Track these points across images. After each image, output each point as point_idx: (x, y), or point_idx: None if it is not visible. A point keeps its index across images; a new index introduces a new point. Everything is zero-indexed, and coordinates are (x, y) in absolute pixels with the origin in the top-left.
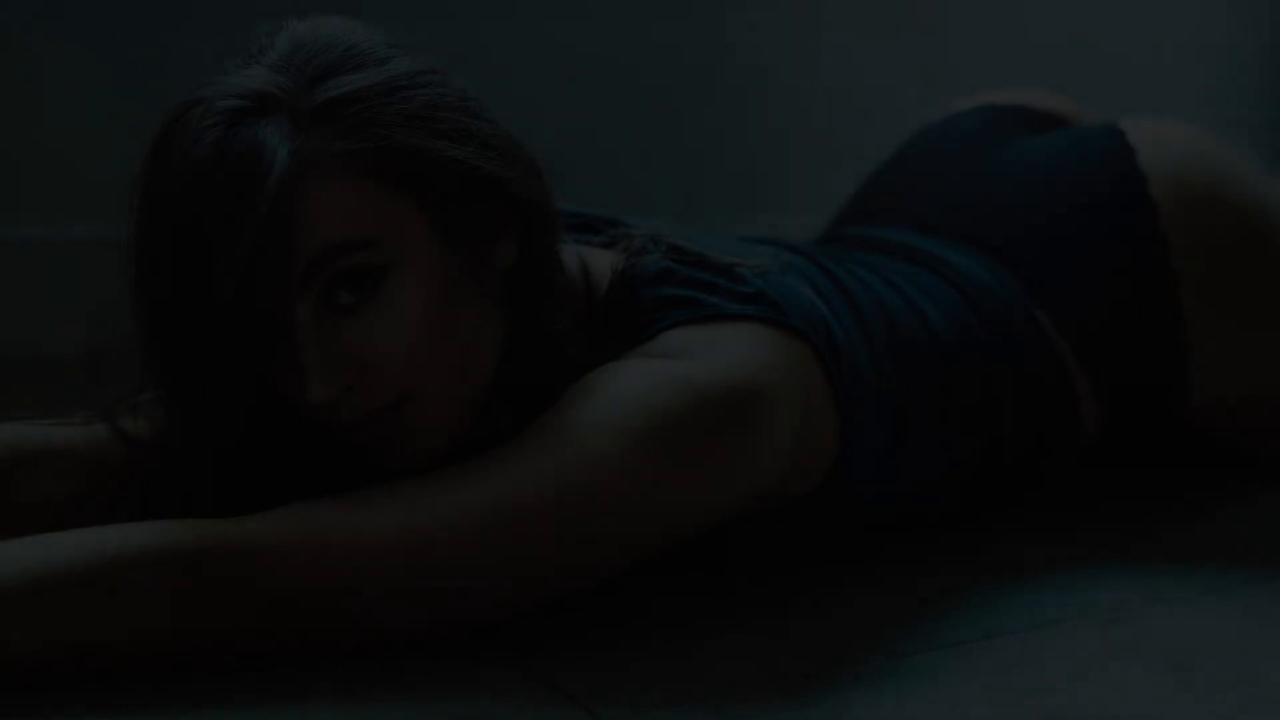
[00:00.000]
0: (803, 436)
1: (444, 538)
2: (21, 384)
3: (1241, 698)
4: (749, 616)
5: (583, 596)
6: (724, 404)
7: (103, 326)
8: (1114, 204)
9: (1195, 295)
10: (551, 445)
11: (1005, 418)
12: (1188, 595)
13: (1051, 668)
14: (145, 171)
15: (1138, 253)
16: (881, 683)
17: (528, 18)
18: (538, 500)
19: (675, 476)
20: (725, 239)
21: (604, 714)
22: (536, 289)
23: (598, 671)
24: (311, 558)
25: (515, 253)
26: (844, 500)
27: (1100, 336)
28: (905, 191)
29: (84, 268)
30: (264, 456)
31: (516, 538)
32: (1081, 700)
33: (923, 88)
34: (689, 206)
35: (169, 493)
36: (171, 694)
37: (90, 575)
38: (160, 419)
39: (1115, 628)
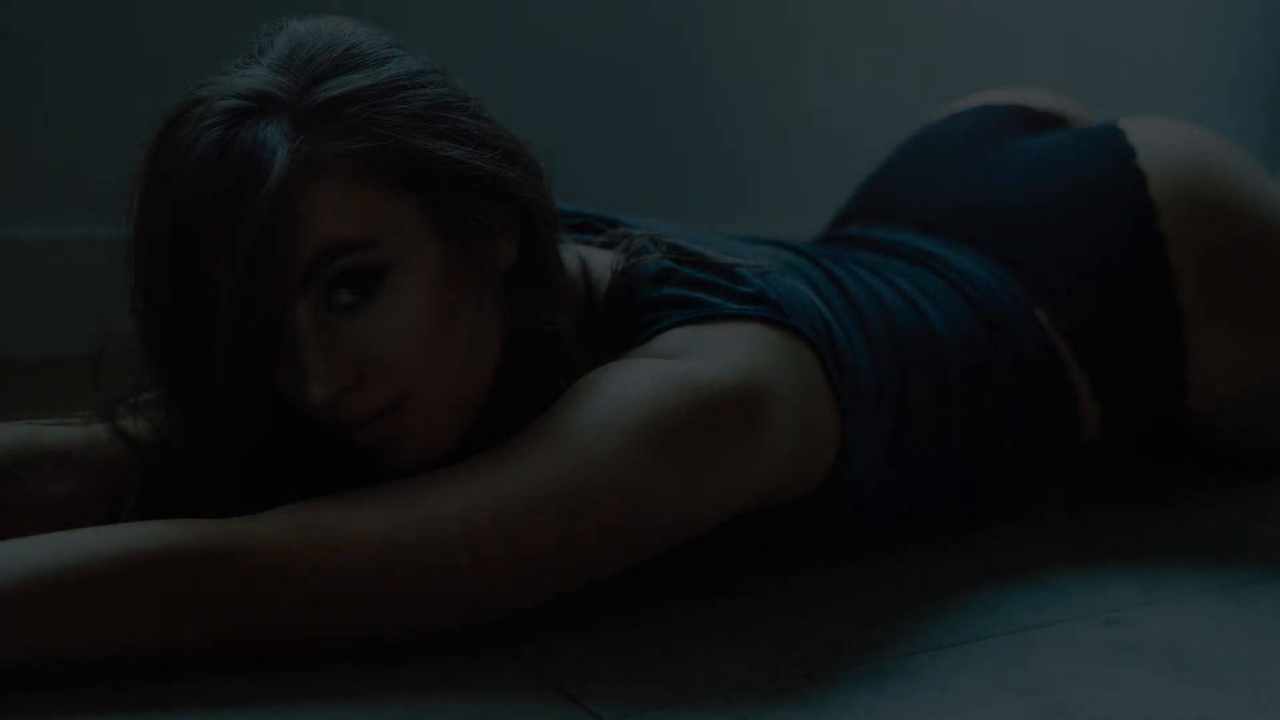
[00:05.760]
0: (803, 437)
1: (444, 538)
2: (21, 384)
3: (1242, 697)
4: (749, 616)
5: (583, 596)
6: (724, 404)
7: (103, 326)
8: (1114, 204)
9: (1195, 295)
10: (551, 445)
11: (1005, 417)
12: (1187, 594)
13: (1051, 668)
14: (145, 171)
15: (1137, 252)
16: (881, 683)
17: (528, 17)
18: (537, 500)
19: (675, 476)
20: (725, 239)
21: (604, 714)
22: (536, 289)
23: (598, 671)
24: (311, 558)
25: (515, 253)
26: (844, 500)
27: (1100, 336)
28: (905, 191)
29: (84, 268)
30: (264, 456)
31: (516, 538)
32: (1081, 700)
33: (923, 88)
34: (689, 206)
35: (169, 493)
36: (172, 694)
37: (91, 575)
38: (160, 419)
39: (1115, 628)
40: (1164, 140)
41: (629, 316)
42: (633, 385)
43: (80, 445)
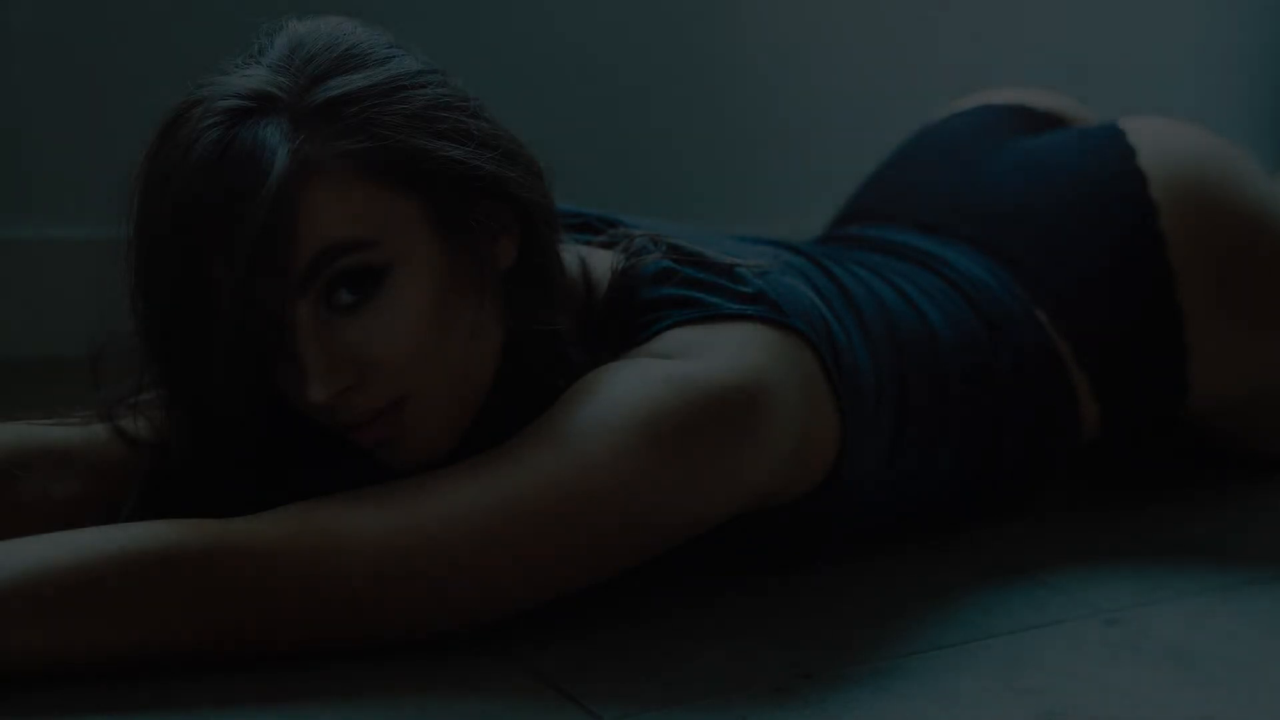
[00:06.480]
0: (802, 436)
1: (444, 538)
2: (21, 384)
3: (1242, 697)
4: (749, 617)
5: (583, 596)
6: (724, 403)
7: (103, 326)
8: (1114, 204)
9: (1195, 295)
10: (551, 445)
11: (1005, 417)
12: (1187, 594)
13: (1051, 668)
14: (145, 172)
15: (1137, 253)
16: (881, 683)
17: (527, 17)
18: (537, 500)
19: (675, 476)
20: (725, 239)
21: (604, 714)
22: (536, 289)
23: (598, 671)
24: (311, 558)
25: (515, 253)
26: (844, 500)
27: (1100, 336)
28: (905, 191)
29: (84, 268)
30: (264, 456)
31: (516, 537)
32: (1081, 700)
33: (922, 88)
34: (688, 207)
35: (169, 493)
36: (172, 694)
37: (91, 576)
38: (160, 419)
39: (1115, 627)
40: (1164, 140)
41: (629, 316)
42: (633, 385)
43: (80, 445)
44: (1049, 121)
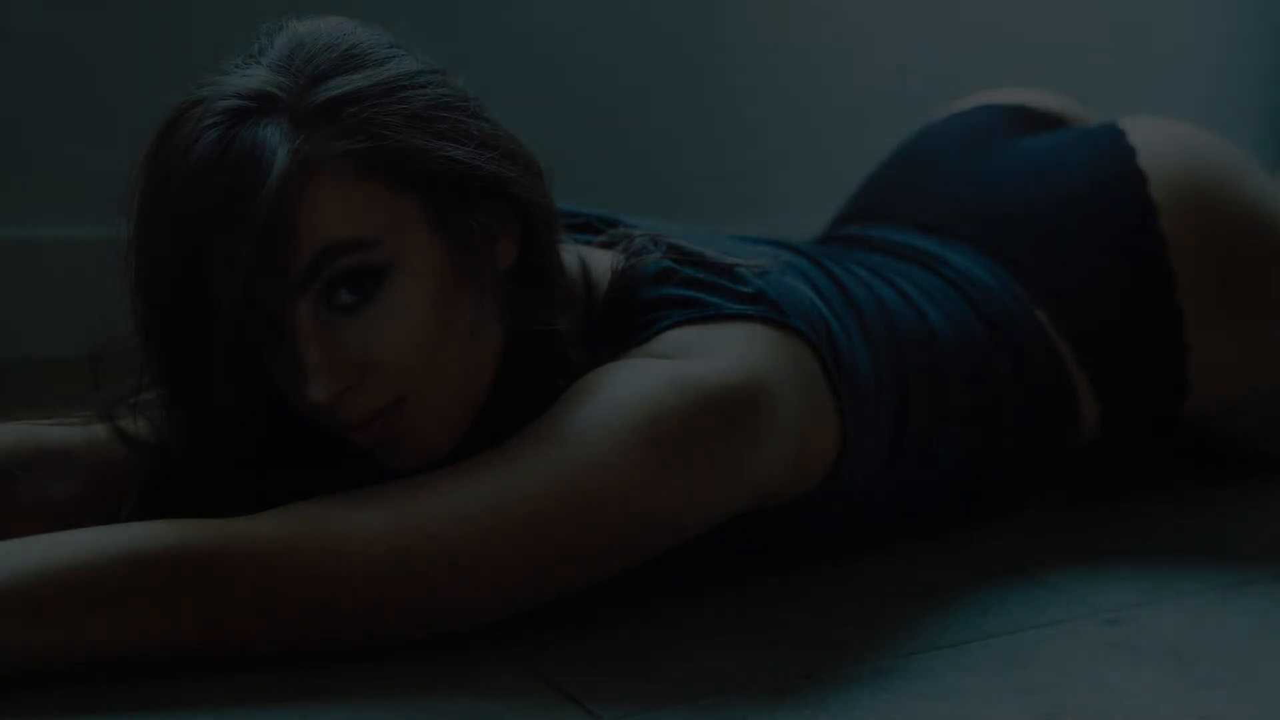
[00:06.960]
0: (802, 436)
1: (444, 537)
2: (21, 384)
3: (1242, 697)
4: (749, 617)
5: (583, 596)
6: (724, 403)
7: (103, 326)
8: (1114, 204)
9: (1195, 295)
10: (551, 445)
11: (1005, 417)
12: (1187, 595)
13: (1051, 668)
14: (145, 172)
15: (1137, 253)
16: (881, 683)
17: (527, 17)
18: (538, 500)
19: (675, 476)
20: (725, 239)
21: (604, 714)
22: (536, 289)
23: (598, 671)
24: (311, 558)
25: (515, 253)
26: (844, 500)
27: (1100, 336)
28: (905, 191)
29: (84, 268)
30: (264, 456)
31: (516, 537)
32: (1082, 700)
33: (921, 88)
34: (689, 206)
35: (169, 493)
36: (172, 694)
37: (91, 576)
38: (160, 419)
39: (1115, 627)
40: (1164, 140)
41: (629, 316)
42: (633, 385)
43: (80, 445)
44: (1049, 121)
